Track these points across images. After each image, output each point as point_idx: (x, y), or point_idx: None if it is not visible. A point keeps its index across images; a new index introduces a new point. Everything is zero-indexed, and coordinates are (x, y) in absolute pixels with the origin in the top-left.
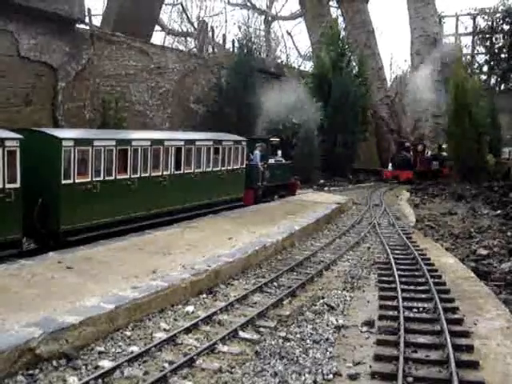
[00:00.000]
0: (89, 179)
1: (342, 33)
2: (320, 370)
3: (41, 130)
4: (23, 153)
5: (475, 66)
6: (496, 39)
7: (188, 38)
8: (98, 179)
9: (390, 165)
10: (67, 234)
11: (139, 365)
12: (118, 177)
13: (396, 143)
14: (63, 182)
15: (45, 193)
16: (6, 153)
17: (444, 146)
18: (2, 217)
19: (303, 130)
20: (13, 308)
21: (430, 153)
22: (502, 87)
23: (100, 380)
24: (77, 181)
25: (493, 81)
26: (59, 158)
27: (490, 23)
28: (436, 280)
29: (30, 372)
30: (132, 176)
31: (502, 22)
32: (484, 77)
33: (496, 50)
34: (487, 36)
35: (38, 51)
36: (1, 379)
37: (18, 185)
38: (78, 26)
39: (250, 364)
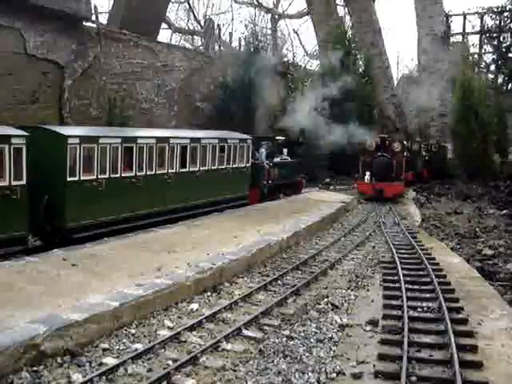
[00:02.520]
0: (94, 177)
1: (349, 32)
2: (323, 369)
3: (47, 127)
4: (29, 150)
5: (482, 65)
6: (504, 38)
7: (194, 36)
8: (103, 177)
9: (368, 174)
10: (72, 231)
11: (143, 362)
12: (124, 174)
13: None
14: (69, 179)
15: (50, 190)
16: (12, 150)
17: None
18: (8, 214)
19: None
20: (18, 304)
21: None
22: (510, 86)
23: (104, 377)
24: (82, 178)
25: (500, 80)
26: (65, 155)
27: (497, 22)
28: (441, 280)
29: (35, 368)
30: (137, 174)
31: (509, 20)
32: (491, 76)
33: (504, 49)
34: (495, 35)
35: (45, 49)
36: (6, 375)
37: (23, 182)
38: (84, 23)
39: (253, 362)
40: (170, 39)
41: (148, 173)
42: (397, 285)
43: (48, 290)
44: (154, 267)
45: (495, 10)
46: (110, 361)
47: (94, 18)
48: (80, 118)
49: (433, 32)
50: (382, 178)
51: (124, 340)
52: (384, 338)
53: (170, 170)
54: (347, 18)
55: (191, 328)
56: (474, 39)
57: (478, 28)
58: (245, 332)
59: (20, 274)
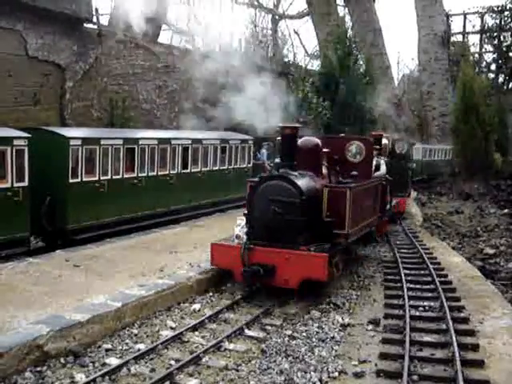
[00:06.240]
0: (96, 178)
1: (349, 32)
2: (325, 368)
3: (48, 129)
4: (31, 152)
5: (483, 65)
6: (504, 37)
7: (195, 37)
8: (105, 178)
9: (241, 222)
10: (74, 232)
11: (146, 362)
12: (126, 176)
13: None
14: (70, 180)
15: (52, 191)
16: (14, 152)
17: None
18: (11, 215)
19: (310, 128)
20: (21, 305)
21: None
22: (510, 86)
23: (107, 377)
24: (84, 179)
25: (501, 79)
26: (67, 156)
27: (498, 21)
28: (442, 279)
29: (38, 369)
30: (139, 175)
31: (510, 20)
32: (492, 75)
33: (504, 49)
34: (495, 34)
35: (46, 51)
36: (10, 375)
37: (26, 183)
38: (85, 25)
39: (255, 362)
40: (171, 40)
41: (150, 174)
42: (398, 284)
43: (51, 290)
44: (156, 268)
45: (495, 9)
46: (113, 361)
47: (94, 19)
48: (81, 119)
49: (433, 32)
50: (276, 235)
51: (127, 340)
52: (386, 337)
53: (171, 171)
54: (347, 17)
55: (194, 328)
56: (474, 39)
57: (478, 27)
58: (247, 332)
59: (23, 275)
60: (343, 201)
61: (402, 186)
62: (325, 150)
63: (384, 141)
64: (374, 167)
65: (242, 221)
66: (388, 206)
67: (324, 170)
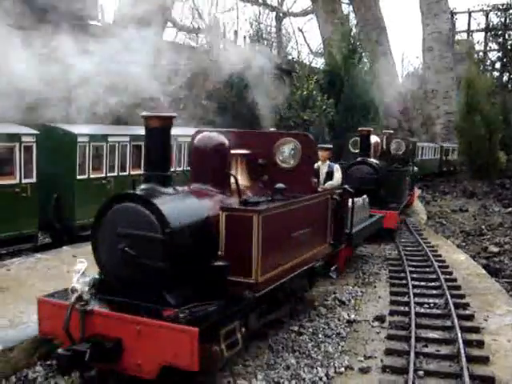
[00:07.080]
0: (103, 174)
1: (354, 29)
2: (332, 364)
3: (56, 125)
4: (39, 148)
5: (488, 63)
6: (509, 36)
7: (199, 35)
8: (112, 174)
9: (78, 276)
10: (81, 228)
11: None
12: (132, 172)
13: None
14: (78, 177)
15: (60, 188)
16: (22, 148)
17: None
18: (19, 211)
19: (314, 127)
20: (30, 300)
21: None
22: None
23: None
24: (91, 176)
25: (505, 78)
26: (74, 153)
27: (502, 19)
28: (447, 276)
29: (48, 362)
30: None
31: None
32: (496, 74)
33: (509, 47)
34: (500, 32)
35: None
36: (20, 369)
37: (33, 180)
38: (90, 22)
39: (263, 357)
40: (175, 37)
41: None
42: (403, 281)
43: (59, 286)
44: None
45: (500, 7)
46: None
47: (99, 16)
48: (87, 116)
49: (438, 30)
50: (130, 289)
51: None
52: (391, 334)
53: (177, 168)
54: (352, 15)
55: None
56: (479, 37)
57: (483, 25)
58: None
59: (31, 271)
60: (248, 232)
61: (394, 197)
62: (241, 151)
63: (374, 138)
64: (324, 175)
65: (83, 264)
66: (348, 230)
67: (233, 183)
